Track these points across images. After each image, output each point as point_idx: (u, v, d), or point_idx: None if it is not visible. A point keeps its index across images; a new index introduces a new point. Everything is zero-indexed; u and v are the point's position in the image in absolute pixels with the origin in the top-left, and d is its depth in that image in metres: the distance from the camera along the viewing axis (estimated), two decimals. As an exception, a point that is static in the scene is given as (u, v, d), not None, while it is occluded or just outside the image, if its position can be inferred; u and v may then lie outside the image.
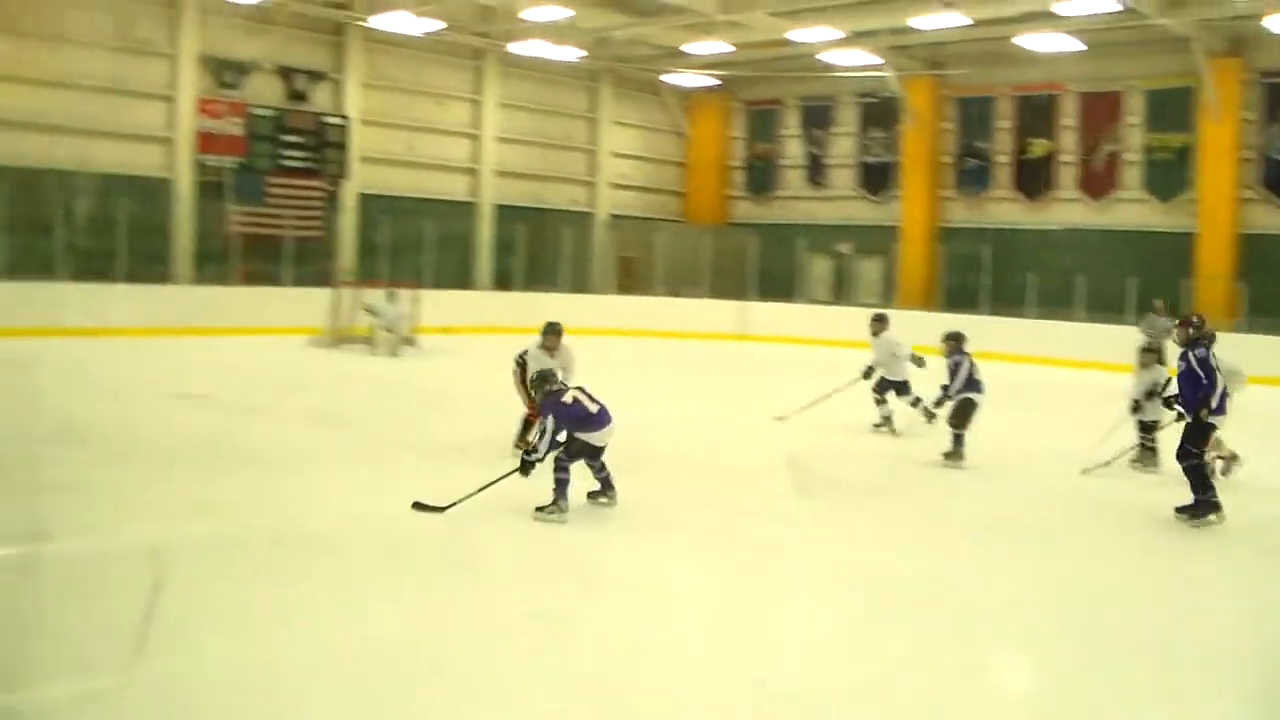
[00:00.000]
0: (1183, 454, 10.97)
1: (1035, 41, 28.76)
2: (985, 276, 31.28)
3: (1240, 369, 12.51)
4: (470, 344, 26.04)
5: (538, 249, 34.50)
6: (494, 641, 7.15)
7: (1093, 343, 27.18)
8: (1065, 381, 25.02)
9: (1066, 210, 32.31)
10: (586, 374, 11.75)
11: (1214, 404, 10.84)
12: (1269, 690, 7.38)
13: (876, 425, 16.29)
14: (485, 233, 34.97)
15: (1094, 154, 31.62)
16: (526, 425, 12.56)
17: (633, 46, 34.93)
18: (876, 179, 36.14)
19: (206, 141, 29.02)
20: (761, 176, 39.14)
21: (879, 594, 8.54)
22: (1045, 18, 26.84)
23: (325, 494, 10.92)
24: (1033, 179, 32.79)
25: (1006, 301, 30.24)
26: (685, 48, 32.62)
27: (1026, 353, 27.72)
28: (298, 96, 30.92)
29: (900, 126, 35.04)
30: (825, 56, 31.92)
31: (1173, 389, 11.76)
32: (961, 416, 14.00)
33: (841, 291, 35.08)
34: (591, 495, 10.59)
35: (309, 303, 25.32)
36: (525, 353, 12.69)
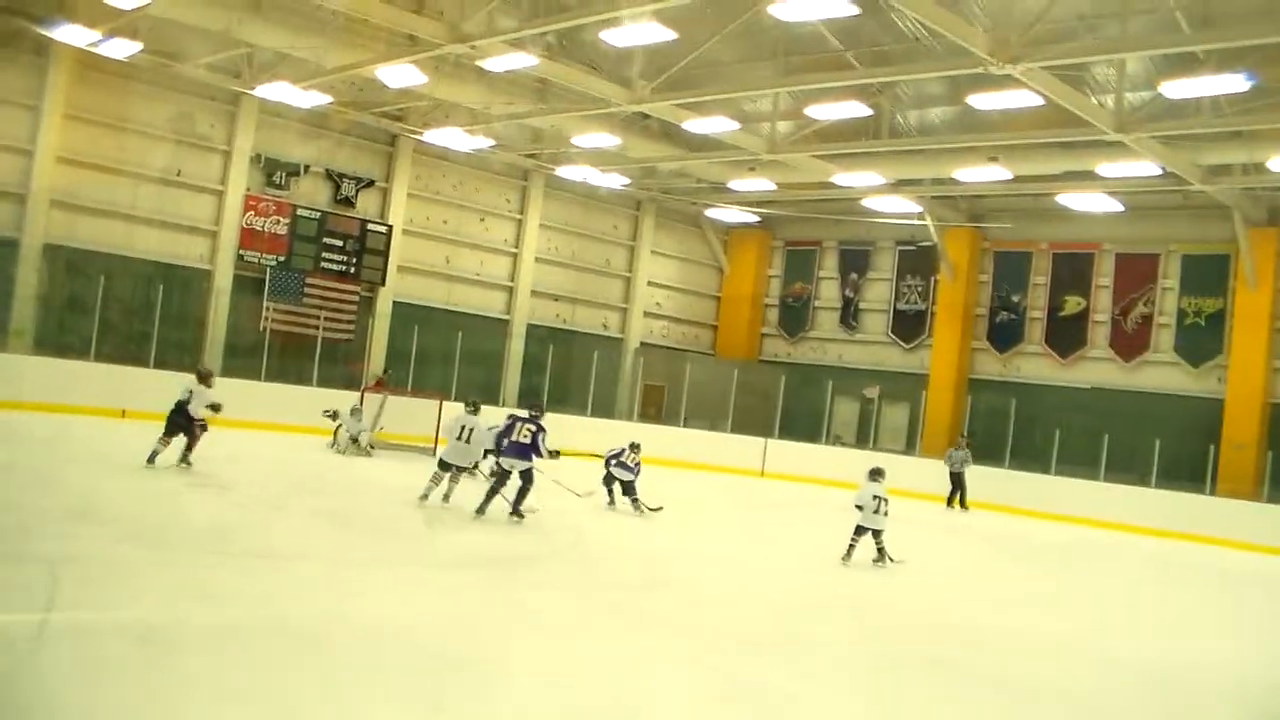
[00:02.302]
0: None
1: (1076, 200, 29.02)
2: (1011, 430, 31.29)
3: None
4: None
5: (565, 370, 34.67)
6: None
7: (1111, 503, 27.30)
8: (1074, 539, 25.11)
9: (1096, 369, 32.34)
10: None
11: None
12: None
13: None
14: (516, 350, 35.18)
15: (1127, 315, 31.72)
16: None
17: (678, 178, 35.39)
18: (909, 326, 36.31)
19: (250, 238, 29.49)
20: (795, 315, 39.37)
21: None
22: (1087, 178, 27.10)
23: (325, 591, 10.89)
24: (1065, 336, 32.86)
25: (1031, 457, 30.17)
26: (730, 183, 33.00)
27: (1045, 509, 27.87)
28: (344, 201, 31.42)
29: (936, 276, 35.30)
30: (867, 202, 32.24)
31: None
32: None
33: (866, 435, 35.01)
34: None
35: (336, 404, 25.39)
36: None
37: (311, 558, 12.44)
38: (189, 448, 17.46)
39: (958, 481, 28.74)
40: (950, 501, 28.64)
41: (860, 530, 16.42)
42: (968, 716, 9.11)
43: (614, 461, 20.01)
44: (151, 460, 17.02)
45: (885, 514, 16.41)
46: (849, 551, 16.45)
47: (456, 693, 8.03)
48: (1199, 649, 13.28)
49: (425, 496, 17.29)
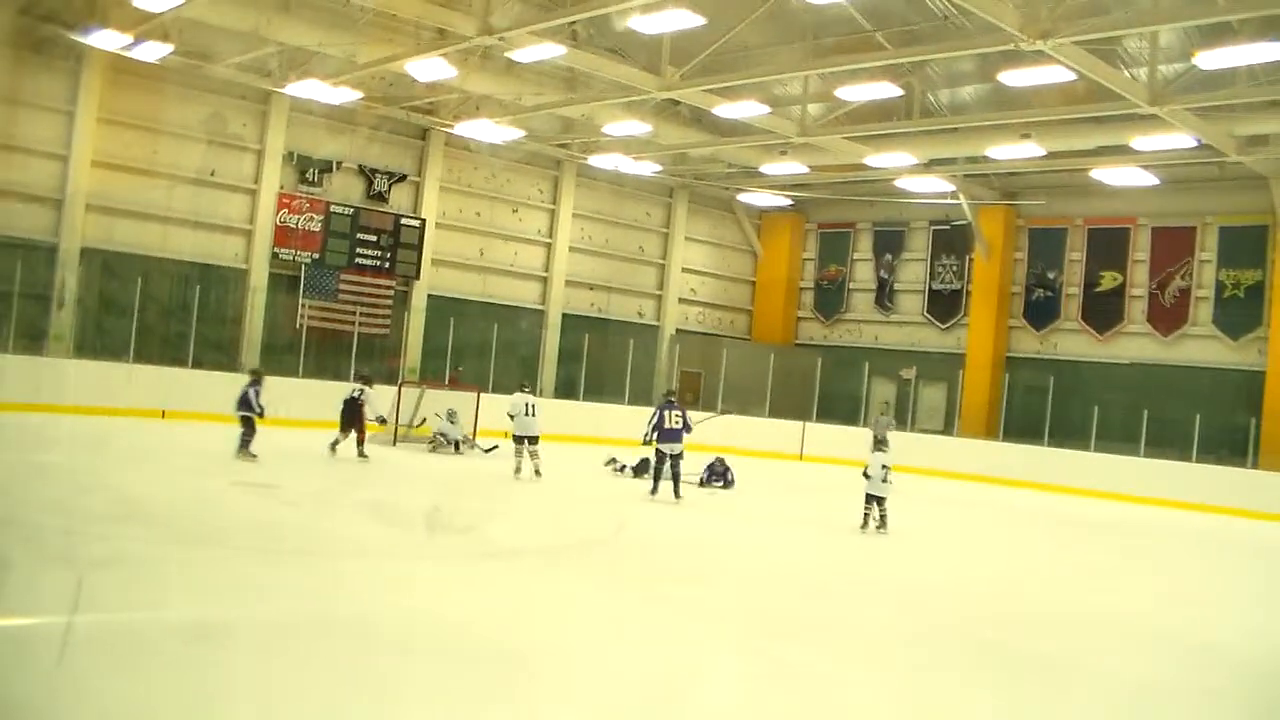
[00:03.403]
0: None
1: (1110, 175, 28.82)
2: (1049, 408, 31.10)
3: None
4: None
5: (602, 359, 34.63)
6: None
7: (1153, 478, 27.11)
8: (1116, 516, 24.93)
9: (1134, 344, 32.08)
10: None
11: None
12: None
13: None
14: (552, 340, 35.22)
15: (1165, 289, 31.46)
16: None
17: (709, 164, 35.30)
18: (945, 306, 36.15)
19: (284, 235, 29.62)
20: (830, 298, 39.26)
21: None
22: (1121, 152, 26.92)
23: (372, 586, 10.92)
24: (1102, 312, 32.63)
25: (1069, 434, 30.00)
26: (761, 167, 32.93)
27: (1085, 486, 27.69)
28: (377, 196, 31.51)
29: (971, 255, 35.12)
30: (900, 182, 32.14)
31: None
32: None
33: (904, 417, 34.90)
34: None
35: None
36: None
37: (358, 553, 12.47)
38: (360, 441, 20.81)
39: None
40: None
41: (870, 499, 17.44)
42: (1006, 696, 9.05)
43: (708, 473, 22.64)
44: (333, 448, 20.62)
45: (890, 482, 17.42)
46: (865, 520, 17.49)
47: (505, 685, 8.04)
48: (1244, 624, 13.13)
49: (518, 470, 20.32)
